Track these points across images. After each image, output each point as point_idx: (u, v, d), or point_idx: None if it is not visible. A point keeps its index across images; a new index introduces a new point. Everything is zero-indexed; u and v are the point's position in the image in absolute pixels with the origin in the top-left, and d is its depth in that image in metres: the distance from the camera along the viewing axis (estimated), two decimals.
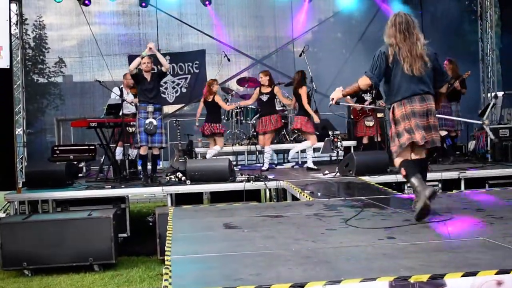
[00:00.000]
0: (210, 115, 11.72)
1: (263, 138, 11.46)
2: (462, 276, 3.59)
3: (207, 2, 14.93)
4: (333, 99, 6.29)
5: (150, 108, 9.77)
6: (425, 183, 5.74)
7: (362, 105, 11.76)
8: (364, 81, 6.09)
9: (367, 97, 12.04)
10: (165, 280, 3.79)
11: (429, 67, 5.89)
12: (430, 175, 9.55)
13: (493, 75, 15.28)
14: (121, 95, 11.65)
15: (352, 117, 12.37)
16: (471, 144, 12.73)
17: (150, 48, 9.78)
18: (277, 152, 13.72)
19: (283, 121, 12.21)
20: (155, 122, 9.75)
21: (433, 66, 5.96)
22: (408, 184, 9.07)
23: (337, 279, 3.59)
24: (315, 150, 11.50)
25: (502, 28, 15.98)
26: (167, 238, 5.23)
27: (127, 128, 11.05)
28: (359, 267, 3.94)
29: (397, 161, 6.04)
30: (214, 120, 11.68)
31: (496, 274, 3.61)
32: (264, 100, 11.53)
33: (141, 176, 10.41)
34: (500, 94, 14.94)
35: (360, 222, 5.63)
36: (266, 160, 11.51)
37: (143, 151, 9.89)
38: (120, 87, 12.17)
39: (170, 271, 4.00)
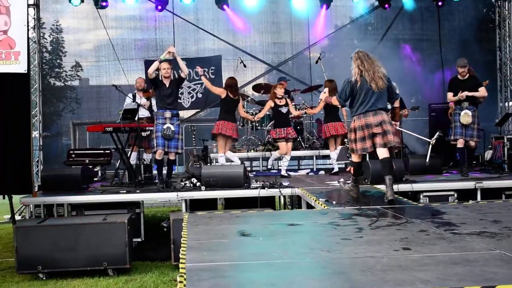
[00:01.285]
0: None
1: (286, 146, 11.42)
2: None
3: (224, 6, 14.93)
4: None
5: (168, 114, 9.78)
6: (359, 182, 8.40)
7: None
8: (335, 102, 8.37)
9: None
10: None
11: (385, 87, 7.81)
12: (446, 185, 9.63)
13: (510, 84, 15.18)
14: (134, 99, 11.70)
15: None
16: (488, 154, 12.63)
17: (170, 52, 9.81)
18: (292, 159, 13.66)
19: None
20: (172, 128, 9.75)
21: (388, 85, 7.90)
22: (424, 194, 9.24)
23: None
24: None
25: None
26: (182, 245, 5.22)
27: (141, 132, 11.08)
28: (373, 279, 3.91)
29: (353, 157, 8.26)
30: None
31: None
32: (284, 112, 11.53)
33: (156, 181, 10.43)
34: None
35: (376, 231, 5.61)
36: (284, 167, 11.54)
37: (159, 155, 9.89)
38: (134, 92, 12.23)
39: (185, 279, 3.99)
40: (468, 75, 10.55)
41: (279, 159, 12.07)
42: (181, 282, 3.92)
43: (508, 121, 14.49)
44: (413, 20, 15.96)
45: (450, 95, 10.70)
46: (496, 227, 5.70)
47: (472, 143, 10.70)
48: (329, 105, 10.54)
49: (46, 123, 14.47)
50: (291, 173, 11.71)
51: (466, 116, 10.40)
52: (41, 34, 14.47)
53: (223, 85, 12.12)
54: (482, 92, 10.49)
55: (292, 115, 12.09)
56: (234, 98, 11.41)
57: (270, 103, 11.59)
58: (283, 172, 11.42)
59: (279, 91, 11.52)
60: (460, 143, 10.54)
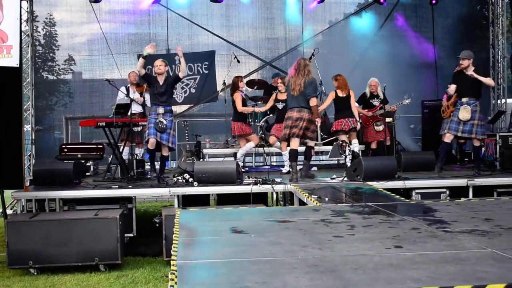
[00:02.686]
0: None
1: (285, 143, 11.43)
2: None
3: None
4: None
5: (161, 110, 9.80)
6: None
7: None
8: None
9: (376, 102, 12.03)
10: (171, 286, 3.78)
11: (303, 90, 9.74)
12: (438, 182, 9.66)
13: (503, 81, 15.21)
14: (128, 94, 11.68)
15: (361, 122, 12.32)
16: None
17: (151, 48, 9.87)
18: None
19: None
20: (165, 122, 9.78)
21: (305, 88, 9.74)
22: (416, 191, 9.26)
23: None
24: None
25: None
26: (173, 241, 5.20)
27: (134, 127, 11.06)
28: (365, 278, 3.91)
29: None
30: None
31: None
32: (280, 108, 11.53)
33: (149, 175, 10.41)
34: (510, 100, 14.89)
35: (368, 229, 5.61)
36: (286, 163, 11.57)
37: (151, 144, 9.87)
38: (127, 86, 12.20)
39: (176, 276, 3.98)
40: (470, 69, 10.17)
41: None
42: (172, 279, 3.90)
43: (501, 119, 14.52)
44: (407, 17, 15.96)
45: (453, 87, 10.31)
46: (488, 225, 5.70)
47: (475, 141, 10.33)
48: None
49: (38, 117, 14.40)
50: (283, 169, 11.68)
51: (464, 112, 10.07)
52: (34, 28, 14.39)
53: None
54: (488, 80, 10.31)
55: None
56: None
57: (273, 96, 11.65)
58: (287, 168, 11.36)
59: (281, 87, 11.56)
60: (447, 138, 10.34)
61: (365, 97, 12.28)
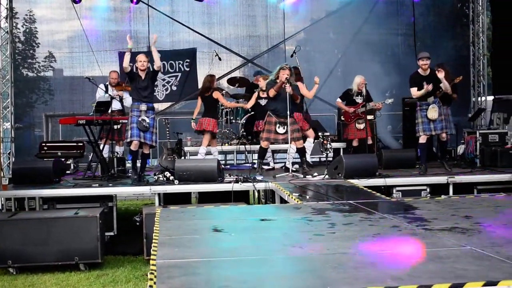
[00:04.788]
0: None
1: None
2: (449, 287, 3.57)
3: None
4: None
5: (143, 106, 9.71)
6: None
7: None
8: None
9: (359, 99, 12.02)
10: (150, 286, 3.75)
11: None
12: (419, 180, 9.70)
13: (483, 79, 15.30)
14: (107, 91, 11.61)
15: (343, 119, 12.33)
16: (460, 149, 12.73)
17: (128, 40, 9.79)
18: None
19: None
20: (148, 120, 9.69)
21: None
22: (397, 188, 9.30)
23: None
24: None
25: (493, 33, 16.01)
26: (153, 241, 5.18)
27: (114, 125, 10.99)
28: (345, 276, 3.91)
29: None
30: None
31: (483, 286, 3.60)
32: (263, 104, 11.49)
33: (130, 174, 10.36)
34: (490, 98, 14.99)
35: (348, 227, 5.61)
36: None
37: (134, 146, 9.80)
38: (106, 83, 12.10)
39: (155, 276, 3.95)
40: (429, 70, 10.28)
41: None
42: (151, 279, 3.88)
43: (481, 116, 14.61)
44: (389, 14, 16.00)
45: (414, 90, 10.31)
46: (468, 223, 5.73)
47: (443, 135, 10.48)
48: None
49: (18, 114, 14.28)
50: (265, 167, 11.66)
51: (432, 111, 10.18)
52: (14, 24, 14.28)
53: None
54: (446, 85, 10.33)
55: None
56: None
57: (255, 94, 11.59)
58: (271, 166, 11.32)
59: (261, 83, 11.50)
60: (422, 139, 10.42)
61: (349, 93, 12.22)
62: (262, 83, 11.43)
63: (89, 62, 15.04)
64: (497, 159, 11.18)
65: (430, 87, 10.08)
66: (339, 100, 12.18)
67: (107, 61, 14.96)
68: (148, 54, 9.96)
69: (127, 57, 9.62)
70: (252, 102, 11.76)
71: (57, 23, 15.27)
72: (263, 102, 11.54)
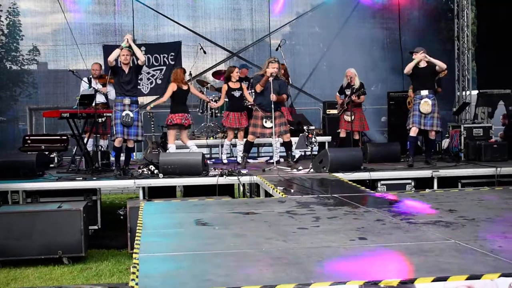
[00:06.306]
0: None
1: (241, 134, 11.38)
2: (433, 281, 3.57)
3: None
4: None
5: (127, 100, 9.64)
6: None
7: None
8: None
9: (348, 92, 12.00)
10: (132, 280, 3.72)
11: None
12: (403, 173, 9.72)
13: (468, 73, 15.36)
14: (90, 85, 11.53)
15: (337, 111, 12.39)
16: (445, 143, 12.76)
17: (127, 39, 9.67)
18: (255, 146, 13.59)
19: None
20: (131, 114, 9.62)
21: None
22: (382, 182, 9.32)
23: (306, 282, 3.55)
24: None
25: (478, 27, 16.07)
26: (137, 234, 5.14)
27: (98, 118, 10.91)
28: (329, 270, 3.91)
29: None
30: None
31: (466, 279, 3.60)
32: (237, 96, 11.39)
33: (113, 168, 10.30)
34: (474, 92, 15.05)
35: (332, 220, 5.61)
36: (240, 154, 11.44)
37: (118, 143, 9.75)
38: (89, 77, 12.00)
39: (138, 270, 3.93)
40: (426, 63, 10.43)
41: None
42: (133, 273, 3.85)
43: (465, 110, 14.67)
44: (374, 9, 16.03)
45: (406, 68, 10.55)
46: (452, 216, 5.74)
47: (433, 133, 10.57)
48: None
49: (2, 107, 14.21)
50: (250, 161, 11.62)
51: (425, 105, 10.24)
52: None
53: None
54: (441, 63, 10.47)
55: (248, 103, 11.85)
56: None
57: (225, 86, 11.47)
58: (239, 159, 11.27)
59: (234, 75, 11.41)
60: (413, 132, 10.42)
61: (342, 87, 12.24)
62: (235, 75, 11.36)
63: (74, 55, 14.94)
64: (482, 153, 11.22)
65: (422, 55, 10.16)
66: (337, 93, 12.29)
67: (92, 54, 14.86)
68: (131, 49, 9.86)
69: (116, 52, 9.55)
70: (222, 99, 11.65)
71: (41, 16, 15.17)
72: (237, 93, 11.40)
